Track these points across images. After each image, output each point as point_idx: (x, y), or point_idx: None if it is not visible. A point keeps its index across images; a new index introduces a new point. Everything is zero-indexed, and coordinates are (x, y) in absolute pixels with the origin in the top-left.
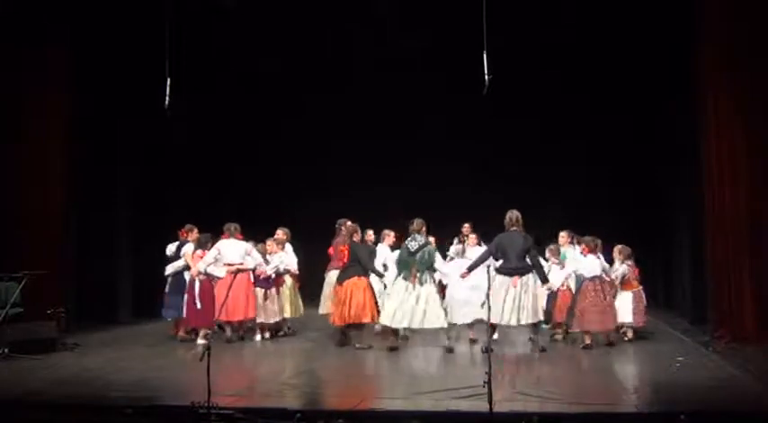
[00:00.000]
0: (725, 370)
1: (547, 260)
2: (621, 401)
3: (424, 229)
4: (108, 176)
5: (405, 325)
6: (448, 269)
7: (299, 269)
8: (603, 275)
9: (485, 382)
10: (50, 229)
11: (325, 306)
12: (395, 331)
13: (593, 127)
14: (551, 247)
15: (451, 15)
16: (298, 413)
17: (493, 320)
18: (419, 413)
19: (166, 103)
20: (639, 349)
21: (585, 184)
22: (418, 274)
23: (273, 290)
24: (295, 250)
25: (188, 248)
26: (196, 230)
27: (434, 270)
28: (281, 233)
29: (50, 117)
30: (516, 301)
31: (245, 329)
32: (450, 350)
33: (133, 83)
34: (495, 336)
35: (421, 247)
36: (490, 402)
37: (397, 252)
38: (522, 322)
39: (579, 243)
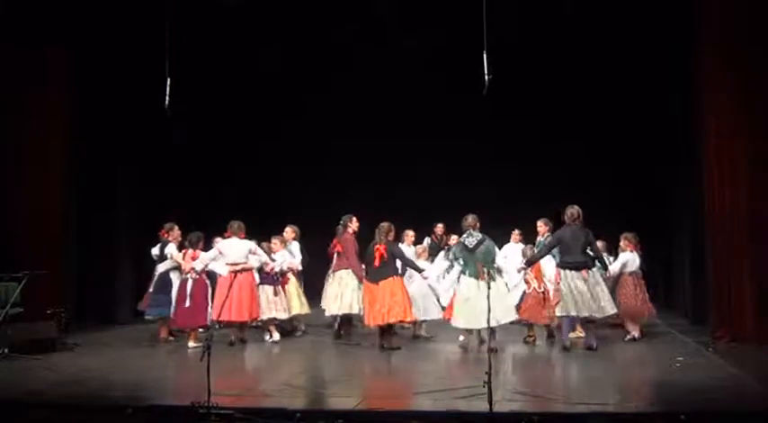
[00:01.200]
0: (725, 370)
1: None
2: (621, 401)
3: (478, 224)
4: (108, 176)
5: (492, 325)
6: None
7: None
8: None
9: (485, 382)
10: (50, 229)
11: (336, 306)
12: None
13: (593, 127)
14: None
15: (451, 15)
16: (298, 413)
17: (572, 313)
18: (419, 413)
19: (166, 103)
20: (639, 349)
21: (585, 184)
22: (486, 270)
23: (281, 287)
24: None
25: (171, 248)
26: (177, 228)
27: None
28: (289, 231)
29: (50, 117)
30: (590, 294)
31: (245, 330)
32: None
33: (133, 83)
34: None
35: (480, 243)
36: (490, 402)
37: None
38: (608, 313)
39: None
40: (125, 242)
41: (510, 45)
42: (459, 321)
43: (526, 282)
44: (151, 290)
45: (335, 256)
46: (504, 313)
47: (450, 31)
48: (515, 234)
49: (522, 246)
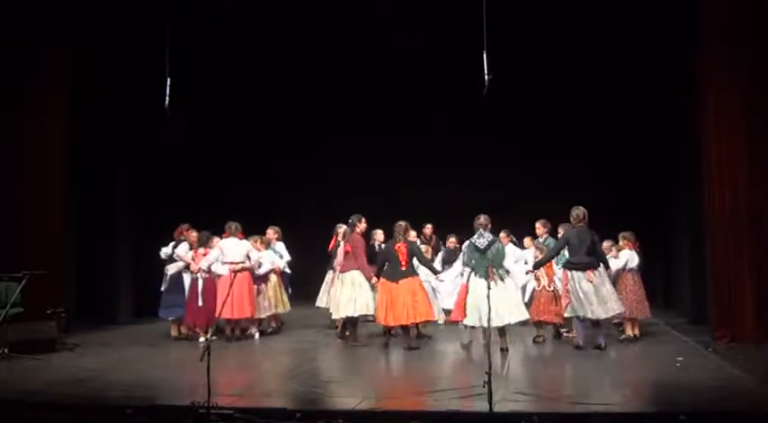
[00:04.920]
0: (725, 370)
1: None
2: (621, 401)
3: (489, 225)
4: (108, 176)
5: (501, 323)
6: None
7: (295, 268)
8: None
9: (485, 382)
10: (50, 229)
11: (352, 308)
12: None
13: (594, 127)
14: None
15: (451, 15)
16: (298, 413)
17: (580, 314)
18: (419, 413)
19: (166, 103)
20: (639, 349)
21: (585, 184)
22: (495, 270)
23: (263, 286)
24: (294, 249)
25: (182, 248)
26: (194, 230)
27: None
28: (271, 232)
29: (50, 117)
30: (600, 294)
31: (240, 328)
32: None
33: (133, 83)
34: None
35: (491, 244)
36: (490, 402)
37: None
38: (611, 313)
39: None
40: (125, 242)
41: (510, 45)
42: (470, 320)
43: (536, 279)
44: (163, 290)
45: (343, 256)
46: (514, 313)
47: (451, 31)
48: (503, 235)
49: (514, 247)
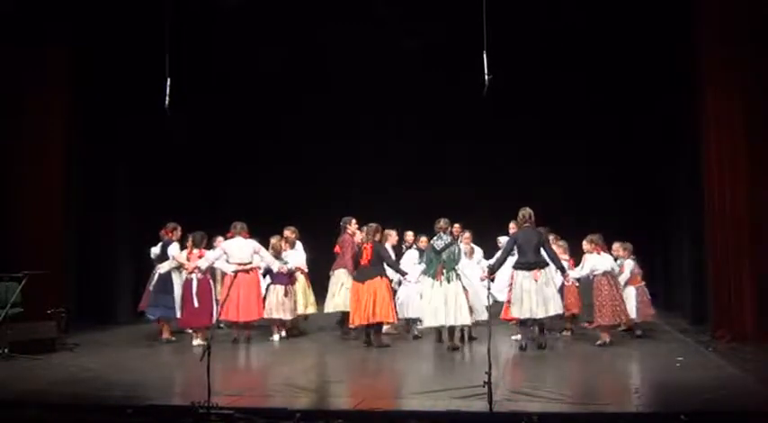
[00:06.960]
0: (725, 370)
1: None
2: (621, 401)
3: (449, 228)
4: (108, 176)
5: (435, 323)
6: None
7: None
8: (613, 270)
9: (485, 382)
10: (50, 229)
11: (332, 304)
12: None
13: (593, 127)
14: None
15: (451, 15)
16: (298, 413)
17: (521, 316)
18: (419, 413)
19: (166, 102)
20: (639, 349)
21: (585, 184)
22: (444, 272)
23: (290, 287)
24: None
25: (173, 249)
26: (179, 228)
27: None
28: (288, 233)
29: (50, 117)
30: (541, 294)
31: (250, 329)
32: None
33: (133, 82)
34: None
35: (447, 246)
36: (490, 402)
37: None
38: (551, 313)
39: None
40: (125, 242)
41: (510, 45)
42: (424, 320)
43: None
44: (151, 289)
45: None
46: (460, 316)
47: (451, 31)
48: (466, 236)
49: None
